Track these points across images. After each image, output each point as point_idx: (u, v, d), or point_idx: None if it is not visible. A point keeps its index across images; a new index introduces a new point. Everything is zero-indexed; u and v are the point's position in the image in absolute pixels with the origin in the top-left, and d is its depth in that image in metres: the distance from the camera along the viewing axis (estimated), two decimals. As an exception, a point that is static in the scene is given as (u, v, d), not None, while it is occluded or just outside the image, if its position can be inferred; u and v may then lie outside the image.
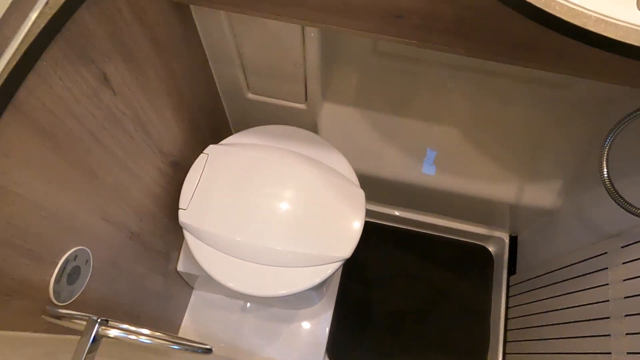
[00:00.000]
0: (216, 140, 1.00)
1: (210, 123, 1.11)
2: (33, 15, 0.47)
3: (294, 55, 0.93)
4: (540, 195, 1.18)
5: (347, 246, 0.89)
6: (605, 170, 0.77)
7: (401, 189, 1.26)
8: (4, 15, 0.43)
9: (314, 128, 1.17)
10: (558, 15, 0.49)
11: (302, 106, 1.10)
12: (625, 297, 0.80)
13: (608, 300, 0.85)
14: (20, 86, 0.48)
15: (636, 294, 0.78)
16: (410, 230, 1.45)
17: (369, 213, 1.43)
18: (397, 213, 1.41)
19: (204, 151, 0.96)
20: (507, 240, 1.37)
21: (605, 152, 0.77)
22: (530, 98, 1.15)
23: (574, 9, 0.48)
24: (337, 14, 0.68)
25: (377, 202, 1.41)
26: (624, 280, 0.81)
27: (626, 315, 0.79)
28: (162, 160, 0.89)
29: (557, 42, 0.64)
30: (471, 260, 1.43)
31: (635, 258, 0.80)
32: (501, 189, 1.19)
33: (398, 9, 0.65)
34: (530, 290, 1.18)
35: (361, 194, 0.94)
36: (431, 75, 1.18)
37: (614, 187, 0.77)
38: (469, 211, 1.34)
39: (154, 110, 0.81)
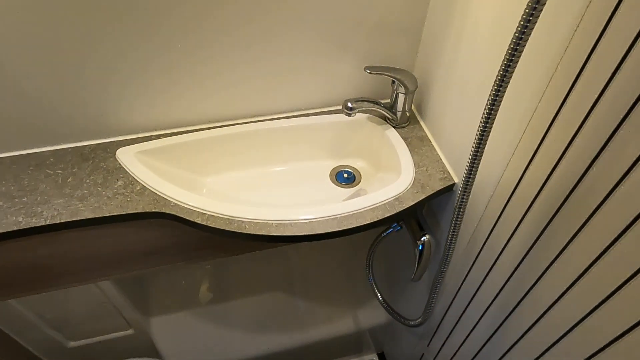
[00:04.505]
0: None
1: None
2: None
3: (99, 297, 0.99)
4: (370, 314, 1.30)
5: None
6: (379, 295, 0.94)
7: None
8: None
9: (152, 349, 1.17)
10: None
11: (129, 332, 1.12)
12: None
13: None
14: None
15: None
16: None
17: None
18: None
19: None
20: (376, 359, 1.46)
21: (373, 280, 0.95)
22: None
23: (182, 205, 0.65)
24: (101, 269, 0.79)
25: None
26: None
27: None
28: None
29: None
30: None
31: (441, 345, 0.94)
32: (340, 324, 1.29)
33: (151, 249, 0.78)
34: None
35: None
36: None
37: (388, 305, 0.94)
38: (329, 351, 1.39)
39: None
